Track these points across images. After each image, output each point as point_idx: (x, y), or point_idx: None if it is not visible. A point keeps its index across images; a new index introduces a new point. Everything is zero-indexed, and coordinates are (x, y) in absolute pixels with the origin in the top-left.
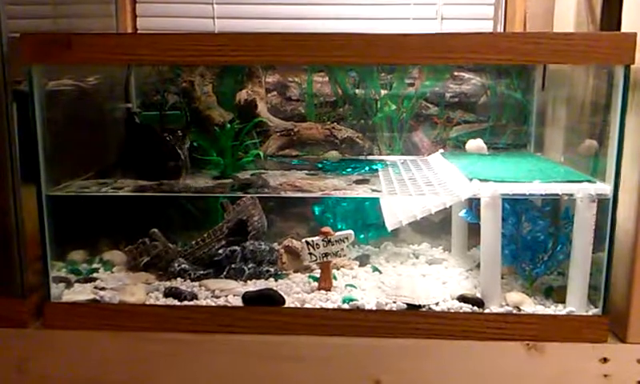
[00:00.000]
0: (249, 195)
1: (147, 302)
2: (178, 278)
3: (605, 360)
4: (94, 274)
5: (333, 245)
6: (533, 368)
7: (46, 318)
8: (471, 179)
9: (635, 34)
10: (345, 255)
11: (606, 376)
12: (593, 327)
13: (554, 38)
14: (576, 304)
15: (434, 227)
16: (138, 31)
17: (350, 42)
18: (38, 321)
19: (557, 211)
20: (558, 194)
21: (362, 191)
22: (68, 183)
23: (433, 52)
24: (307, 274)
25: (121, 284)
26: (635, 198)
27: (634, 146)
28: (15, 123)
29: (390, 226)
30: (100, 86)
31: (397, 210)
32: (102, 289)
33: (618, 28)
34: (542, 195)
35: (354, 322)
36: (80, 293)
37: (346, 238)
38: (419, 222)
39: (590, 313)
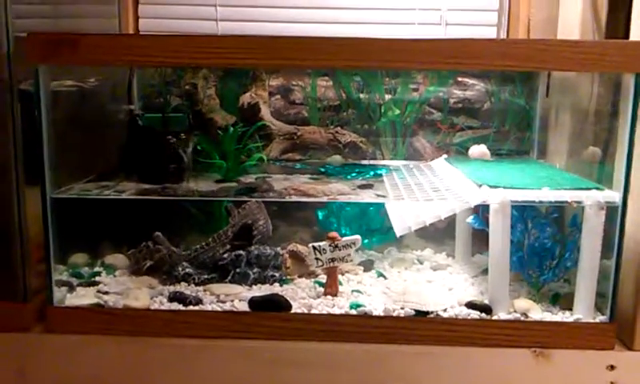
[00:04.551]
0: (254, 199)
1: (151, 307)
2: (182, 283)
3: (612, 367)
4: (96, 278)
5: (340, 250)
6: (540, 375)
7: (48, 322)
8: (480, 185)
9: None
10: (351, 260)
11: (612, 383)
12: (600, 334)
13: (564, 46)
14: (583, 311)
15: (438, 233)
16: (141, 32)
17: (357, 47)
18: (40, 325)
19: (564, 218)
20: (567, 202)
21: (366, 196)
22: (70, 186)
23: (441, 57)
24: (312, 279)
25: (124, 288)
26: None
27: None
28: (20, 124)
29: (398, 232)
30: (102, 88)
31: (405, 216)
32: (106, 293)
33: (624, 36)
34: (551, 202)
35: (362, 328)
36: (83, 297)
37: (353, 244)
38: (423, 228)
39: (597, 320)
